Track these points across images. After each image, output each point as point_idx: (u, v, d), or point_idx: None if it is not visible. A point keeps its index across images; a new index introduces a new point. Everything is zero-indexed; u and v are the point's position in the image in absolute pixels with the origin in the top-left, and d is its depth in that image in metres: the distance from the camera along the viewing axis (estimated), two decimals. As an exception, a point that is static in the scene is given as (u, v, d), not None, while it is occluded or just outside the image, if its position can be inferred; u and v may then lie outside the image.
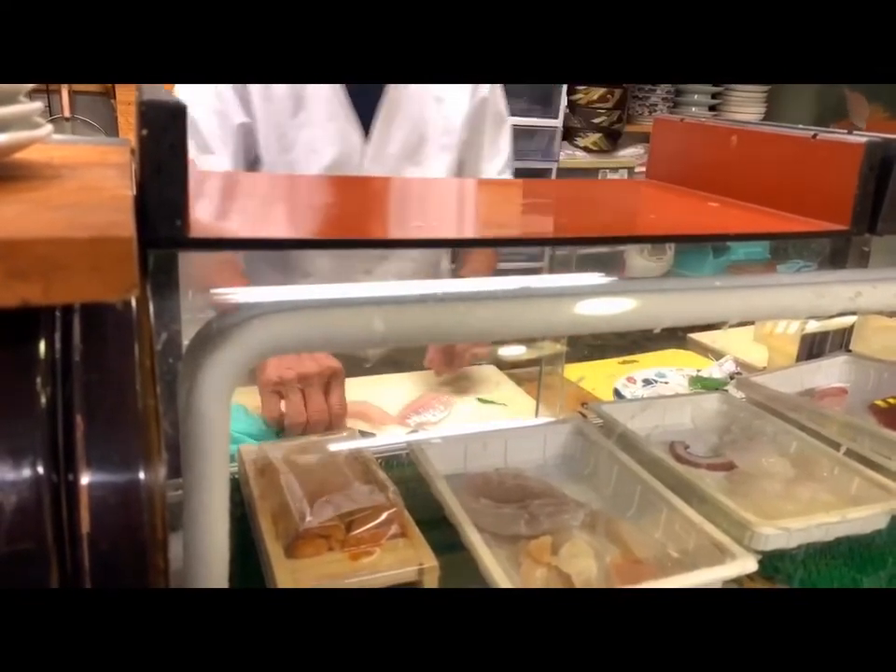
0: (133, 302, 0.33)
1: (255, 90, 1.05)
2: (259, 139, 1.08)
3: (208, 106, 1.06)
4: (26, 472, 0.29)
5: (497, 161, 1.27)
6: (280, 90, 1.06)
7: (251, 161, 1.11)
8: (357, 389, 1.08)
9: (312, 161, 1.08)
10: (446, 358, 1.10)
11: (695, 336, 1.42)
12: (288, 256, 1.13)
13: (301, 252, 1.11)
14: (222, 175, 0.90)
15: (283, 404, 0.87)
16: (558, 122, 2.84)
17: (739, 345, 1.32)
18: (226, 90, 1.05)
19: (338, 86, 1.07)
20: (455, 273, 1.29)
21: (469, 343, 1.08)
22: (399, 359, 1.21)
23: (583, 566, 0.56)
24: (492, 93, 1.23)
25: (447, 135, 1.18)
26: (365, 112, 1.10)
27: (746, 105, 3.25)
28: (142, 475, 0.31)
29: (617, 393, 1.17)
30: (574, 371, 1.20)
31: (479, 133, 1.23)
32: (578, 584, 0.55)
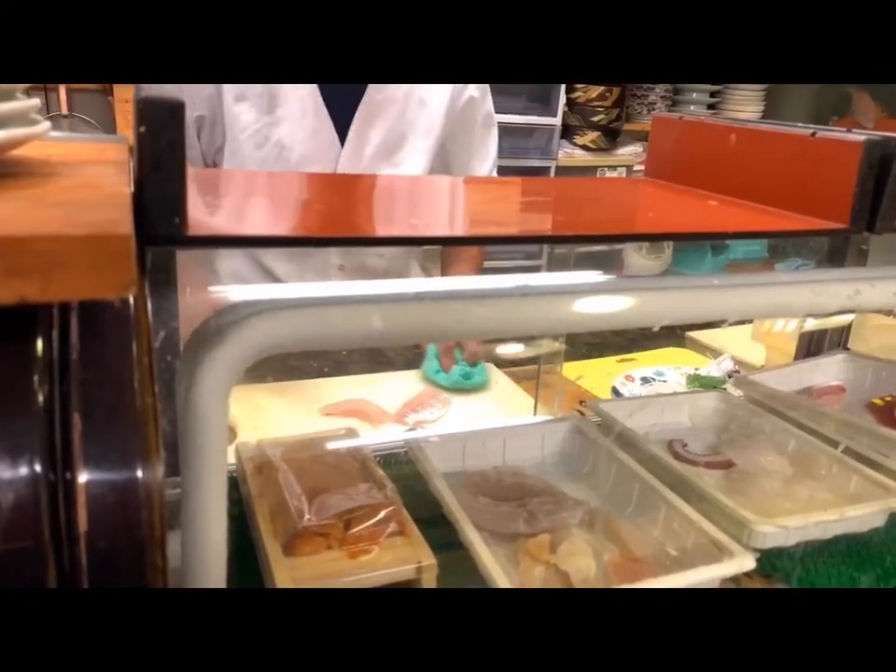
0: (132, 300, 0.33)
1: (227, 85, 1.05)
2: (227, 133, 1.08)
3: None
4: (23, 470, 0.29)
5: (487, 163, 1.26)
6: (255, 86, 1.06)
7: (210, 154, 1.11)
8: (356, 387, 1.08)
9: (282, 159, 1.08)
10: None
11: (694, 334, 1.42)
12: (258, 255, 1.14)
13: (271, 251, 1.11)
14: (218, 173, 0.90)
15: None
16: (557, 120, 2.84)
17: (737, 344, 1.32)
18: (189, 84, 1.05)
19: (314, 85, 1.06)
20: (441, 274, 1.27)
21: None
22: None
23: (582, 564, 0.56)
24: (481, 93, 1.20)
25: (427, 138, 1.16)
26: (342, 112, 1.09)
27: (744, 103, 3.25)
28: (140, 473, 0.31)
29: (615, 391, 1.17)
30: (572, 370, 1.20)
31: (468, 133, 1.21)
32: (576, 582, 0.55)
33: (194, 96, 1.07)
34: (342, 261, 1.16)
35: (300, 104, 1.07)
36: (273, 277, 1.15)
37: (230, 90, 1.06)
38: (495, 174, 1.31)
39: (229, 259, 1.15)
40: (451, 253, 1.24)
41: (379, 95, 1.09)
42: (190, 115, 1.08)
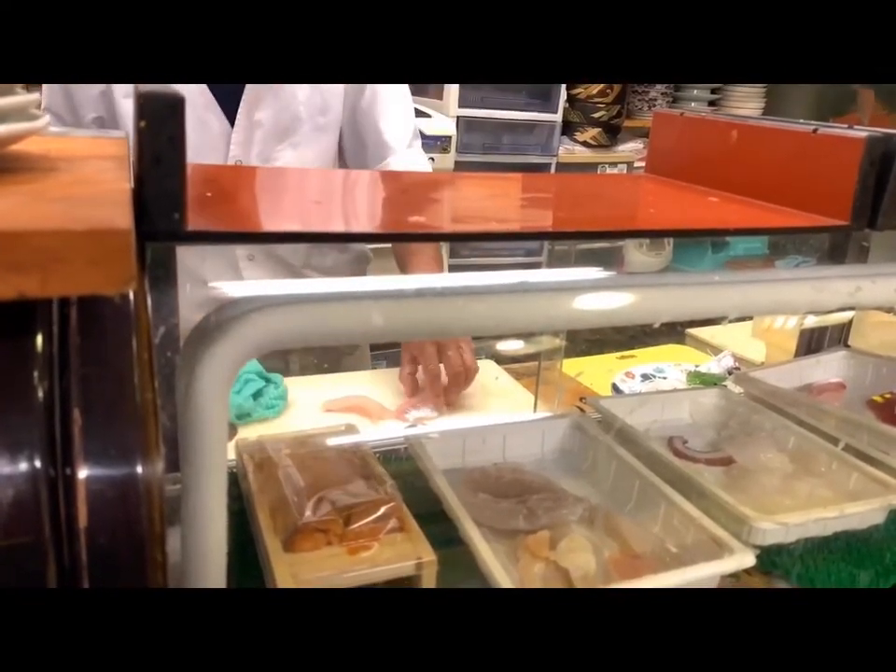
0: (131, 295, 0.33)
1: (117, 85, 1.03)
2: (124, 131, 1.07)
3: (59, 104, 1.06)
4: (23, 466, 0.29)
5: (403, 130, 1.18)
6: None
7: None
8: (355, 384, 1.08)
9: None
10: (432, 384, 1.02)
11: (694, 331, 1.42)
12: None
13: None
14: (216, 169, 0.90)
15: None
16: (557, 117, 2.83)
17: (738, 341, 1.32)
18: (78, 87, 1.04)
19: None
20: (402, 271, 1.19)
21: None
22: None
23: (582, 560, 0.56)
24: None
25: (324, 115, 1.12)
26: (228, 98, 1.06)
27: (745, 100, 3.24)
28: (140, 469, 0.31)
29: (615, 388, 1.17)
30: (572, 366, 1.20)
31: (373, 103, 1.15)
32: (576, 579, 0.55)
33: (84, 99, 1.05)
34: (251, 251, 1.14)
35: (186, 95, 1.04)
36: (188, 271, 1.10)
37: (119, 87, 1.03)
38: (418, 145, 1.22)
39: None
40: (406, 248, 1.17)
41: None
42: (87, 117, 1.06)
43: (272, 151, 1.10)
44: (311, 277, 1.22)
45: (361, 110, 1.16)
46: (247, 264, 1.14)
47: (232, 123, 1.07)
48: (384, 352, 1.47)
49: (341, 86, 1.13)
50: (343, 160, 1.21)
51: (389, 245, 1.23)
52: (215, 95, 1.06)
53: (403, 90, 1.20)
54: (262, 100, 1.07)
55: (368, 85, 1.14)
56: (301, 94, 1.09)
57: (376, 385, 1.08)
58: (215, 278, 1.11)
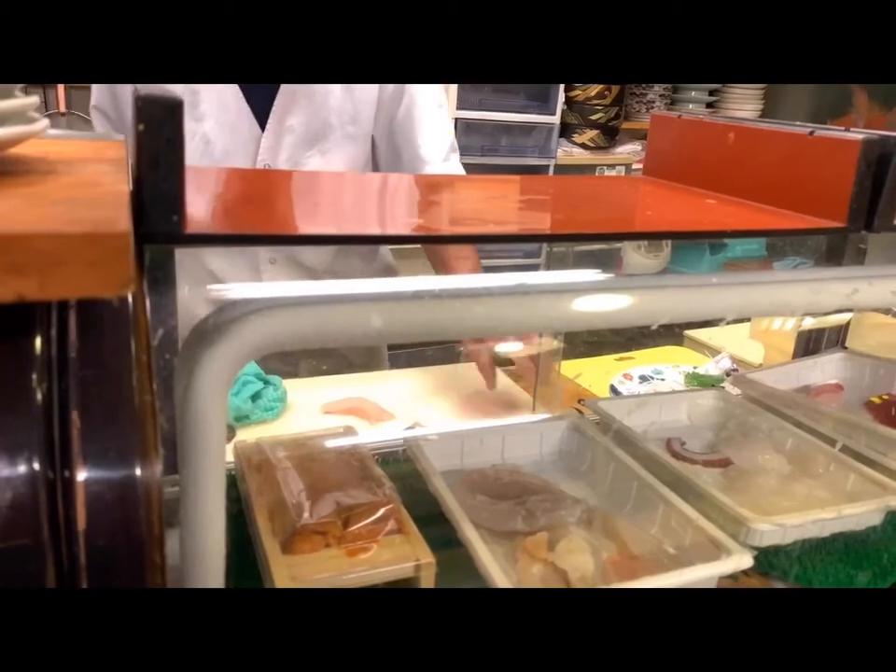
0: (130, 298, 0.33)
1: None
2: None
3: (106, 103, 1.09)
4: (22, 468, 0.29)
5: (440, 144, 1.17)
6: (178, 84, 1.04)
7: None
8: (354, 385, 1.08)
9: (206, 153, 1.06)
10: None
11: (692, 333, 1.42)
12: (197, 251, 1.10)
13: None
14: (215, 170, 0.90)
15: None
16: (555, 119, 2.84)
17: (736, 342, 1.32)
18: (123, 86, 1.05)
19: None
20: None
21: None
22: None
23: (580, 562, 0.56)
24: None
25: (355, 124, 1.13)
26: (261, 101, 1.07)
27: (743, 102, 3.25)
28: (138, 471, 0.31)
29: (613, 390, 1.17)
30: (571, 368, 1.20)
31: (410, 116, 1.15)
32: (574, 581, 0.55)
33: (128, 97, 1.06)
34: (272, 255, 1.14)
35: (219, 97, 1.05)
36: (209, 272, 1.11)
37: None
38: (455, 159, 1.21)
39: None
40: (444, 252, 1.18)
41: None
42: (129, 115, 1.06)
43: (300, 157, 1.11)
44: None
45: (398, 123, 1.15)
46: (268, 267, 1.15)
47: (263, 128, 1.08)
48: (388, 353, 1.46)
49: (373, 95, 1.13)
50: (375, 170, 1.21)
51: (416, 253, 1.24)
52: (248, 101, 1.06)
53: (440, 101, 1.19)
54: (294, 105, 1.07)
55: (404, 97, 1.14)
56: (333, 101, 1.09)
57: (376, 387, 1.08)
58: (236, 280, 1.12)
